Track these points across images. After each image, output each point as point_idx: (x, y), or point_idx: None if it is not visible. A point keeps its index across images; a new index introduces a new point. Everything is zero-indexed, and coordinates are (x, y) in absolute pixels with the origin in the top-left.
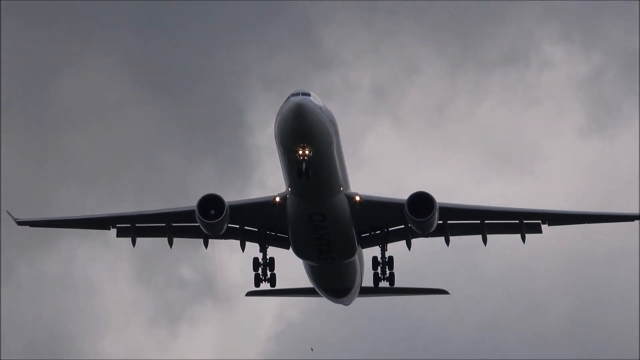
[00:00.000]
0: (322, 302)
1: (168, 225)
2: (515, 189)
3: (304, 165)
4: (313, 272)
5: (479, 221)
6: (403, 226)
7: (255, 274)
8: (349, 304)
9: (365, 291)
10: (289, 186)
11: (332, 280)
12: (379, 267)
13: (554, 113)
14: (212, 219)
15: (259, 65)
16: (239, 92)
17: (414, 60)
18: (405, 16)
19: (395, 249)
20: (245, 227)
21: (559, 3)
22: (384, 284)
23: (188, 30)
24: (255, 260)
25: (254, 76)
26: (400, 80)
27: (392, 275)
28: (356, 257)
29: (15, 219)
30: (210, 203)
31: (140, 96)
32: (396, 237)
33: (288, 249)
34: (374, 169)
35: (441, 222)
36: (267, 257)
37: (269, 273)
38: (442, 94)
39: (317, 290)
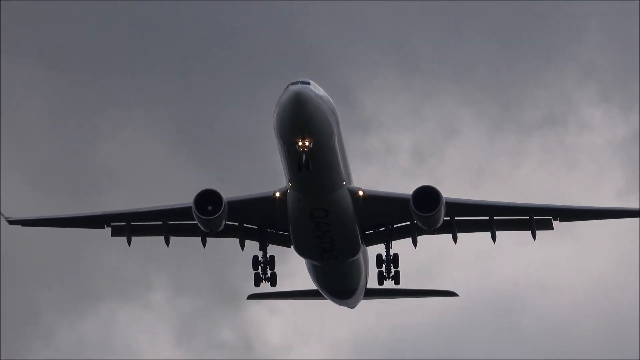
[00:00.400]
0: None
1: (164, 223)
2: (554, 249)
3: (303, 157)
4: (316, 273)
5: (487, 217)
6: (409, 222)
7: (255, 273)
8: (354, 307)
9: (370, 293)
10: (289, 180)
11: (336, 281)
12: (384, 265)
13: (593, 175)
14: (209, 215)
15: None
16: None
17: (453, 122)
18: (444, 79)
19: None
20: (245, 225)
21: (597, 65)
22: (389, 282)
23: (227, 92)
24: (255, 258)
25: None
26: (440, 142)
27: (397, 273)
28: (360, 256)
29: (6, 218)
30: (208, 199)
31: (180, 158)
32: (401, 234)
33: (289, 247)
34: None
35: (448, 218)
36: (267, 255)
37: (269, 272)
38: (481, 156)
39: (321, 292)
